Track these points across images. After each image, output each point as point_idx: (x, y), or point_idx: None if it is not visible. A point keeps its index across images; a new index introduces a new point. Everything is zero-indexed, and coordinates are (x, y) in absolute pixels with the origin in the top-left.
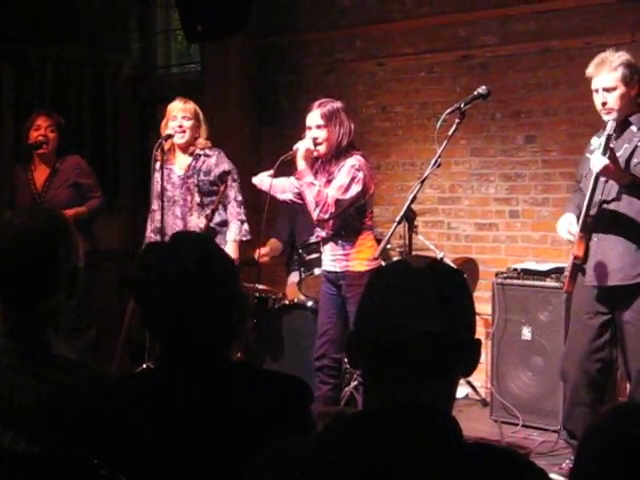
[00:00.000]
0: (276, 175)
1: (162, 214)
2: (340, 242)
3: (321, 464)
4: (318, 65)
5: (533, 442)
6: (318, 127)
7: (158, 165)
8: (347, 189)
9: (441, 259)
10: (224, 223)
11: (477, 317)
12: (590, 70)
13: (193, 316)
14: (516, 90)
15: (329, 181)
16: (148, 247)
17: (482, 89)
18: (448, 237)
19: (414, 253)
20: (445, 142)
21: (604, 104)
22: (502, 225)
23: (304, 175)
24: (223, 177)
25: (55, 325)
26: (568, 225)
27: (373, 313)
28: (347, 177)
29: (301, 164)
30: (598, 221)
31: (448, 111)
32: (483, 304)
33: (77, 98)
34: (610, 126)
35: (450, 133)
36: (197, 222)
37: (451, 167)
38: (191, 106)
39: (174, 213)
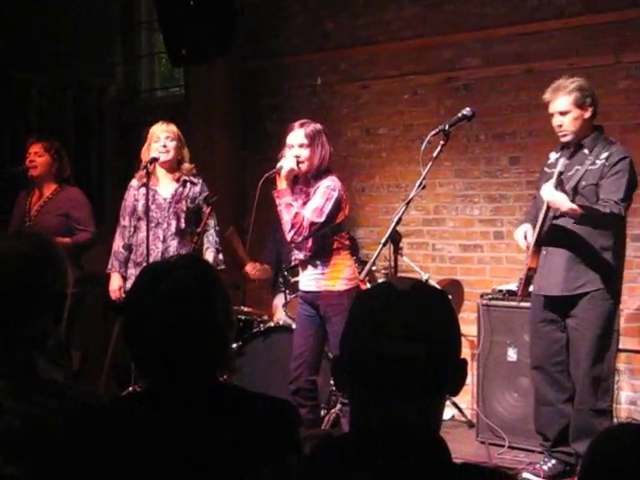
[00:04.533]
0: (260, 194)
1: (147, 235)
2: (317, 263)
3: None
4: (302, 88)
5: (520, 463)
6: (301, 146)
7: (136, 183)
8: (322, 211)
9: (426, 281)
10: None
11: (462, 338)
12: (547, 96)
13: (190, 338)
14: (500, 111)
15: (306, 203)
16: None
17: (467, 111)
18: (433, 259)
19: (399, 275)
20: (430, 164)
21: (560, 126)
22: (487, 246)
23: (284, 195)
24: (207, 200)
25: (42, 349)
26: (524, 233)
27: (358, 336)
28: (322, 198)
29: (282, 184)
30: (548, 235)
31: (433, 133)
32: (468, 325)
33: (61, 122)
34: (562, 164)
35: (435, 155)
36: (177, 247)
37: (435, 189)
38: (173, 128)
39: (155, 234)
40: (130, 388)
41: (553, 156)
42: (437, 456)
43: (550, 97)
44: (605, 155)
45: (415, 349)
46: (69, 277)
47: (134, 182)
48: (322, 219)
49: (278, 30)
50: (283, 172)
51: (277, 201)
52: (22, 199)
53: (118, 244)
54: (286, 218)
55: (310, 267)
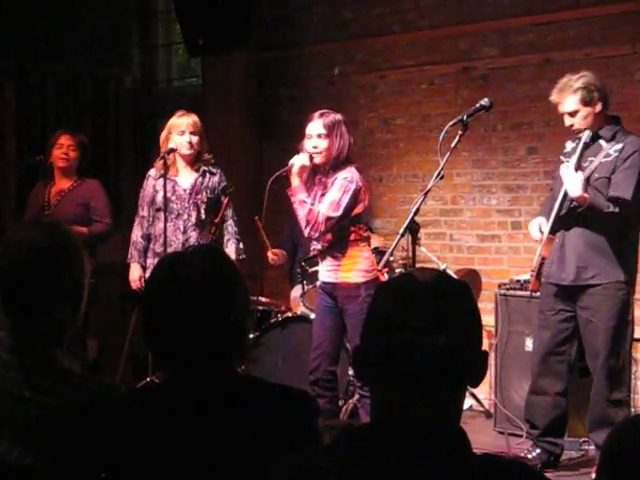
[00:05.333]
0: (271, 189)
1: (165, 226)
2: (336, 254)
3: (330, 477)
4: (319, 78)
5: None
6: (319, 136)
7: (154, 173)
8: (338, 204)
9: (443, 271)
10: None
11: None
12: (553, 97)
13: (207, 328)
14: (517, 101)
15: (324, 194)
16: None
17: (485, 101)
18: (450, 249)
19: (417, 265)
20: (448, 154)
21: (571, 126)
22: (504, 236)
23: (297, 192)
24: (225, 191)
25: (60, 339)
26: (538, 225)
27: (380, 327)
28: (339, 191)
29: (295, 181)
30: (564, 220)
31: (451, 123)
32: (486, 315)
33: (78, 113)
34: (587, 135)
35: (453, 145)
36: (198, 238)
37: (453, 179)
38: (196, 119)
39: (176, 225)
40: (147, 379)
41: (569, 145)
42: (457, 447)
43: (557, 98)
44: (619, 147)
45: (436, 340)
46: (86, 267)
47: (152, 172)
48: (339, 213)
49: (295, 20)
50: (294, 169)
51: (291, 199)
52: (39, 189)
53: (137, 234)
54: (301, 215)
55: (328, 258)
